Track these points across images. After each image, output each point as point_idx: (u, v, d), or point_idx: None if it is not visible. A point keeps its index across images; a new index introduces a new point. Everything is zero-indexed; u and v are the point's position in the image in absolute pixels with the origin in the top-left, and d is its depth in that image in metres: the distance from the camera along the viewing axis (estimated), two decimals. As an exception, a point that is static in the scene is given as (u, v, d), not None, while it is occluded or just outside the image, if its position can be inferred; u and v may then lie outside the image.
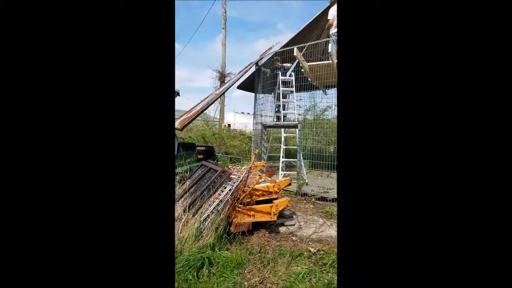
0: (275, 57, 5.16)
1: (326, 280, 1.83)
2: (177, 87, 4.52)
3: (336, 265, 2.00)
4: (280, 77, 4.91)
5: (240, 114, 28.37)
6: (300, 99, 5.22)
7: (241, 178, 2.61)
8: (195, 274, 1.86)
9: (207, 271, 1.89)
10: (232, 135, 9.29)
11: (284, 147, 4.77)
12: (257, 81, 5.37)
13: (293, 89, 4.97)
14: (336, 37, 3.88)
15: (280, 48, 5.17)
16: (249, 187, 2.58)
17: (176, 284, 1.78)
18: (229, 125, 12.66)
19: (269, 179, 3.19)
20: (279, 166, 4.68)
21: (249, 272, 1.93)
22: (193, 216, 2.38)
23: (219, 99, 9.94)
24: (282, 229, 2.70)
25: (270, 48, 5.42)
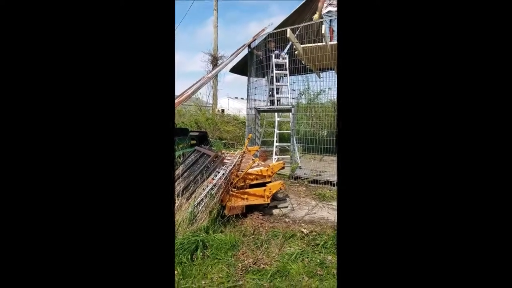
0: (268, 39, 5.03)
1: (318, 260, 1.88)
2: None
3: (328, 246, 2.05)
4: (274, 60, 4.80)
5: (234, 99, 28.06)
6: (294, 83, 5.15)
7: (234, 162, 2.61)
8: (189, 257, 1.89)
9: (201, 253, 1.92)
10: (225, 120, 9.21)
11: (278, 131, 4.75)
12: (250, 64, 5.25)
13: (287, 72, 4.89)
14: (329, 17, 3.78)
15: (273, 30, 5.02)
16: (242, 171, 2.59)
17: (171, 267, 1.80)
18: (223, 110, 12.50)
19: (263, 163, 3.20)
20: (273, 151, 4.69)
21: (243, 254, 1.97)
22: (187, 200, 2.39)
23: (211, 83, 9.76)
24: (275, 211, 2.74)
25: (263, 30, 5.27)
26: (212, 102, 10.86)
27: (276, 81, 4.82)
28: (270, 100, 5.10)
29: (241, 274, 1.76)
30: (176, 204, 2.36)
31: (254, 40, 5.14)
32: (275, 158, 4.53)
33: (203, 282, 1.69)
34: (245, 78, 5.72)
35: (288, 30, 4.17)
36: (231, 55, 5.11)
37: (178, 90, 4.43)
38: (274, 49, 4.98)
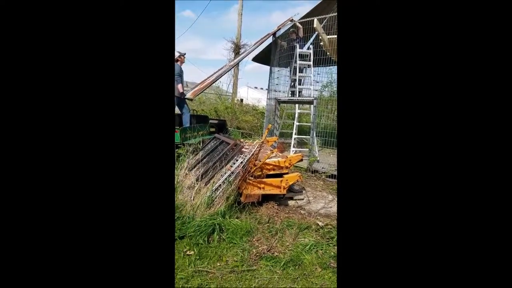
0: (292, 29, 4.92)
1: (332, 253, 1.88)
2: (190, 57, 4.44)
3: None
4: (298, 50, 4.70)
5: (253, 88, 27.92)
6: (318, 74, 5.03)
7: (252, 151, 2.63)
8: (206, 239, 1.95)
9: (217, 236, 1.98)
10: (244, 110, 9.22)
11: (298, 123, 4.70)
12: (273, 54, 5.18)
13: (311, 63, 4.77)
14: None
15: (300, 19, 4.90)
16: (260, 161, 2.60)
17: (187, 248, 1.88)
18: (241, 100, 12.52)
19: (280, 154, 3.20)
20: (290, 143, 4.66)
21: (258, 240, 2.01)
22: (205, 185, 2.45)
23: (232, 72, 9.75)
24: (291, 202, 2.75)
25: (289, 20, 5.15)
26: (232, 91, 10.90)
27: (299, 72, 4.73)
28: (291, 91, 5.04)
29: (255, 260, 1.80)
30: (195, 188, 2.43)
31: (279, 29, 5.04)
32: (292, 150, 4.50)
33: (218, 264, 1.75)
34: (265, 67, 5.67)
35: (315, 20, 4.05)
36: (255, 44, 5.07)
37: (197, 78, 4.47)
38: (297, 38, 4.87)
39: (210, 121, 5.28)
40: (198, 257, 1.78)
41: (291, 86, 4.99)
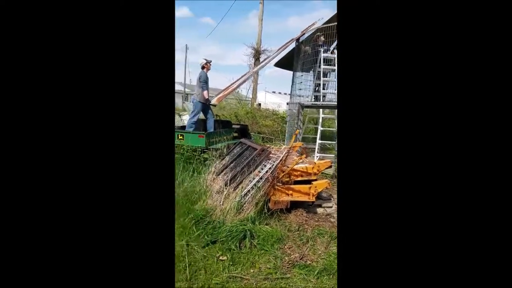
0: (317, 33, 4.89)
1: (367, 264, 1.82)
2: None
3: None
4: (322, 55, 4.66)
5: (271, 93, 27.92)
6: (342, 79, 4.94)
7: (280, 157, 2.62)
8: (237, 244, 1.96)
9: (249, 243, 1.98)
10: (264, 115, 9.25)
11: (322, 128, 4.64)
12: (296, 59, 5.17)
13: (335, 67, 4.71)
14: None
15: (323, 24, 4.86)
16: (288, 166, 2.59)
17: (220, 253, 1.90)
18: (259, 104, 12.58)
19: (307, 160, 3.16)
20: (313, 148, 4.60)
21: (289, 248, 1.99)
22: (234, 190, 2.47)
23: (252, 77, 9.84)
24: (319, 210, 2.70)
25: (313, 24, 5.13)
26: (251, 96, 10.98)
27: (323, 77, 4.69)
28: (314, 95, 4.99)
29: (287, 268, 1.78)
30: (224, 193, 2.46)
31: (303, 34, 5.03)
32: (316, 156, 4.44)
33: (252, 271, 1.74)
34: (284, 72, 5.65)
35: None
36: (278, 49, 5.09)
37: (215, 84, 4.55)
38: (323, 43, 4.83)
39: (233, 126, 5.34)
40: (231, 263, 1.79)
41: (314, 91, 4.94)
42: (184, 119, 7.39)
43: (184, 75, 24.48)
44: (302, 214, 2.50)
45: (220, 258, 1.85)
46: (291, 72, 5.44)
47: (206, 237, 2.04)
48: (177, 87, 25.23)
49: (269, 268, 1.76)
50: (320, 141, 4.60)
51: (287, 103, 5.43)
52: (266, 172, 2.51)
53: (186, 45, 25.16)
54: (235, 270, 1.72)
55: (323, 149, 5.01)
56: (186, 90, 23.86)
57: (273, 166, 2.53)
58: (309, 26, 5.02)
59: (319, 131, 4.60)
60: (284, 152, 2.71)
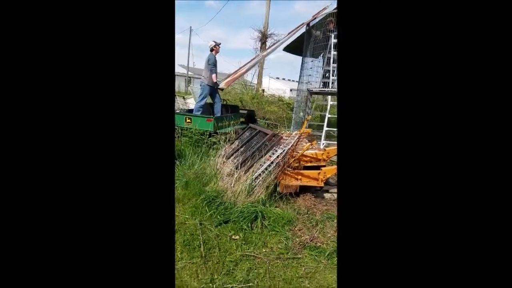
0: (328, 18, 4.77)
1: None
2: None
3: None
4: (333, 40, 4.57)
5: (275, 79, 27.55)
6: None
7: (292, 143, 2.64)
8: (249, 224, 2.02)
9: (260, 223, 2.04)
10: (270, 101, 9.19)
11: (329, 115, 4.62)
12: (306, 44, 5.07)
13: (346, 54, 4.63)
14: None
15: (334, 9, 4.73)
16: (298, 152, 2.61)
17: (233, 232, 1.96)
18: (263, 90, 12.46)
19: (316, 146, 3.18)
20: (318, 135, 4.60)
21: (299, 230, 2.05)
22: (245, 173, 2.51)
23: (259, 62, 9.68)
24: (327, 195, 2.75)
25: (324, 9, 4.99)
26: (256, 82, 10.87)
27: (333, 63, 4.61)
28: (323, 82, 4.94)
29: (298, 248, 1.85)
30: (235, 176, 2.50)
31: (315, 18, 4.91)
32: (323, 143, 4.45)
33: (264, 250, 1.81)
34: (288, 57, 5.56)
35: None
36: (288, 34, 4.98)
37: (219, 69, 4.46)
38: (334, 29, 4.72)
39: (240, 111, 5.33)
40: (243, 242, 1.85)
41: (324, 77, 4.88)
42: (188, 102, 7.36)
43: (188, 58, 24.12)
44: (310, 199, 2.55)
45: (233, 237, 1.91)
46: (295, 58, 5.36)
47: (218, 217, 2.10)
48: (181, 70, 24.96)
49: (281, 248, 1.82)
50: (327, 128, 4.60)
51: (291, 90, 5.39)
52: (277, 156, 2.54)
53: (191, 27, 24.52)
54: (248, 249, 1.79)
55: (328, 136, 5.02)
56: (189, 73, 23.58)
57: (285, 151, 2.56)
58: (320, 11, 4.89)
59: (326, 118, 4.58)
60: (296, 138, 2.72)
